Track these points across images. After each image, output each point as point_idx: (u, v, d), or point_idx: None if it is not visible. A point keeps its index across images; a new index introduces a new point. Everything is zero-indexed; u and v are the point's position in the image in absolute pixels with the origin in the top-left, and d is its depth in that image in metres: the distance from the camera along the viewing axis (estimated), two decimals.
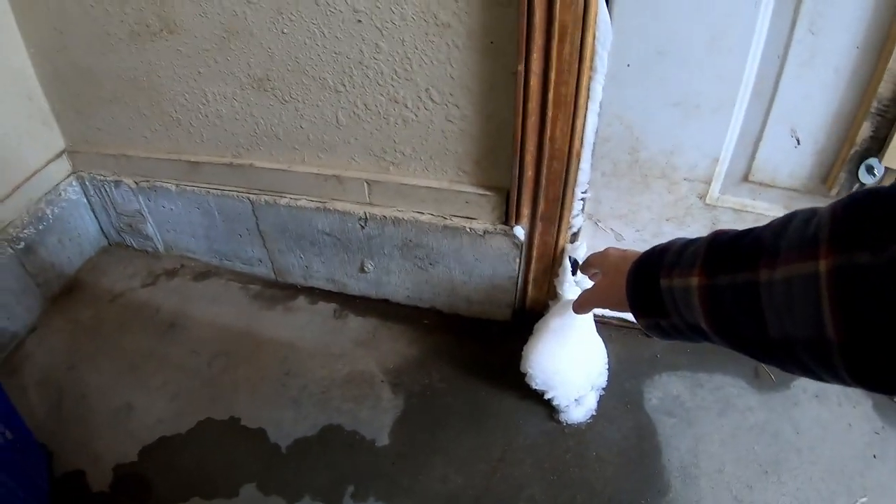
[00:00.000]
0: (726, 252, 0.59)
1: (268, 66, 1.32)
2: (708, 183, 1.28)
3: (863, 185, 1.26)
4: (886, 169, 1.23)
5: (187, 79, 1.43)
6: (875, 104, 1.14)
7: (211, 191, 1.58)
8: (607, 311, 1.49)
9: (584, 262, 1.06)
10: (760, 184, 1.29)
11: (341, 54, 1.24)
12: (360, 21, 1.18)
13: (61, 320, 1.69)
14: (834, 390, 1.50)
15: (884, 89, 1.13)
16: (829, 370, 0.49)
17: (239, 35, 1.30)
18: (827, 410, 1.46)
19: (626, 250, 0.88)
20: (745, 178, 1.29)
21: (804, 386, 1.50)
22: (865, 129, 1.18)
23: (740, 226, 1.31)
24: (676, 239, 0.72)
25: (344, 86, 1.28)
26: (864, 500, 1.29)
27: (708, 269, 0.60)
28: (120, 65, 1.47)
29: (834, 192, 1.26)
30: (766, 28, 1.09)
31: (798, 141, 1.22)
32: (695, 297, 0.61)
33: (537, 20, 1.04)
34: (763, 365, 1.54)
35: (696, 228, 1.36)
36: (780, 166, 1.26)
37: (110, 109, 1.58)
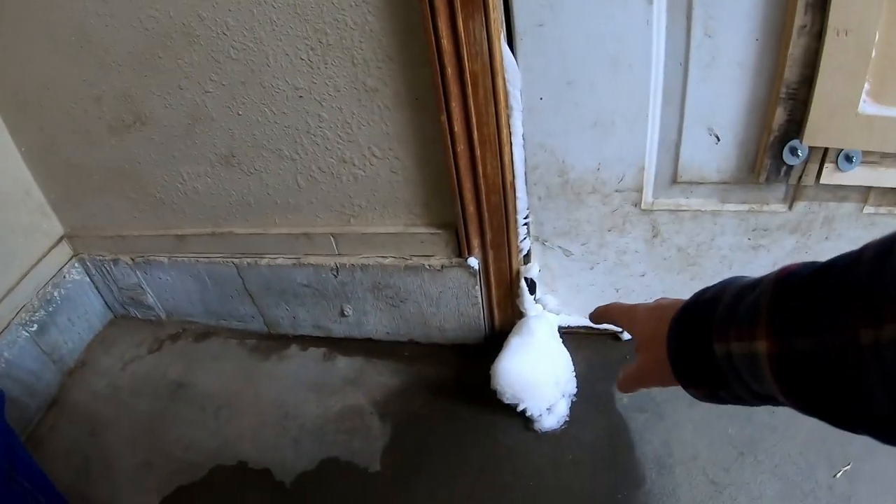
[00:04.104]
0: (801, 303, 0.43)
1: (230, 144, 1.46)
2: (639, 190, 1.39)
3: (789, 166, 1.36)
4: (810, 148, 1.32)
5: (164, 163, 1.57)
6: (784, 89, 1.23)
7: (199, 259, 1.72)
8: (575, 320, 1.62)
9: (599, 312, 0.84)
10: (690, 182, 1.39)
11: (290, 127, 1.38)
12: (301, 97, 1.32)
13: (79, 392, 1.82)
14: None
15: (790, 74, 1.21)
16: None
17: (202, 120, 1.44)
18: None
19: (658, 305, 0.68)
20: (675, 181, 1.39)
21: None
22: (780, 115, 1.27)
23: (679, 224, 1.46)
24: (727, 281, 0.56)
25: (298, 154, 1.43)
26: (847, 467, 1.32)
27: (778, 330, 0.44)
28: (104, 157, 1.62)
29: (762, 178, 1.36)
30: (664, 40, 1.20)
31: (717, 138, 1.32)
32: (765, 368, 0.45)
33: (450, 74, 1.18)
34: None
35: (638, 233, 1.46)
36: (706, 164, 1.36)
37: (101, 197, 1.73)
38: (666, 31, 1.20)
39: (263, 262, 1.64)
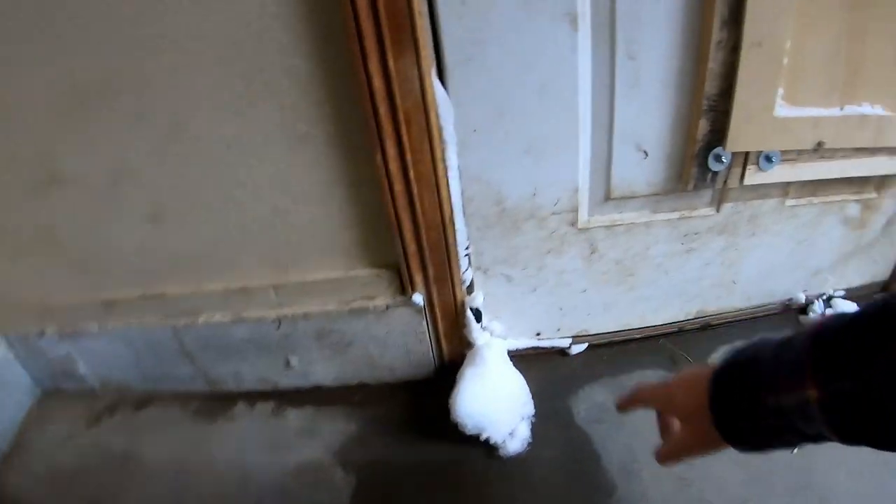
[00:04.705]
0: (840, 350, 0.50)
1: (157, 200, 1.41)
2: (574, 211, 1.42)
3: (714, 172, 1.41)
4: (733, 154, 1.38)
5: (87, 223, 1.49)
6: (706, 102, 1.29)
7: (131, 323, 1.65)
8: (523, 343, 1.63)
9: (629, 398, 0.88)
10: (622, 198, 1.43)
11: (220, 178, 1.34)
12: (229, 147, 1.29)
13: (16, 477, 1.71)
14: None
15: (710, 87, 1.27)
16: None
17: (126, 176, 1.38)
18: None
19: (688, 380, 0.72)
20: (608, 198, 1.42)
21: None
22: (703, 126, 1.32)
23: (614, 239, 1.48)
24: (756, 345, 0.61)
25: (229, 206, 1.39)
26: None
27: (823, 378, 0.50)
28: (21, 220, 1.53)
29: (690, 186, 1.41)
30: (589, 65, 1.24)
31: (646, 153, 1.36)
32: (816, 412, 0.51)
33: (383, 114, 1.17)
34: (677, 349, 1.69)
35: (576, 251, 1.49)
36: (636, 179, 1.40)
37: (20, 264, 1.63)
38: (591, 56, 1.24)
39: (200, 320, 1.59)
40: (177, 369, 1.75)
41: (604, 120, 1.32)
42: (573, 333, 1.68)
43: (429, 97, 1.18)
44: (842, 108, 1.41)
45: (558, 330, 1.66)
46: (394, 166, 1.24)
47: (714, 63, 1.24)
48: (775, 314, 1.91)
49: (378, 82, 1.13)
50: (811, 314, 1.92)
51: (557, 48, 1.20)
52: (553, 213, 1.41)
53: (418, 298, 1.44)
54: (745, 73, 1.25)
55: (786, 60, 1.28)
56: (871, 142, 1.49)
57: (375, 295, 1.48)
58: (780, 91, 1.32)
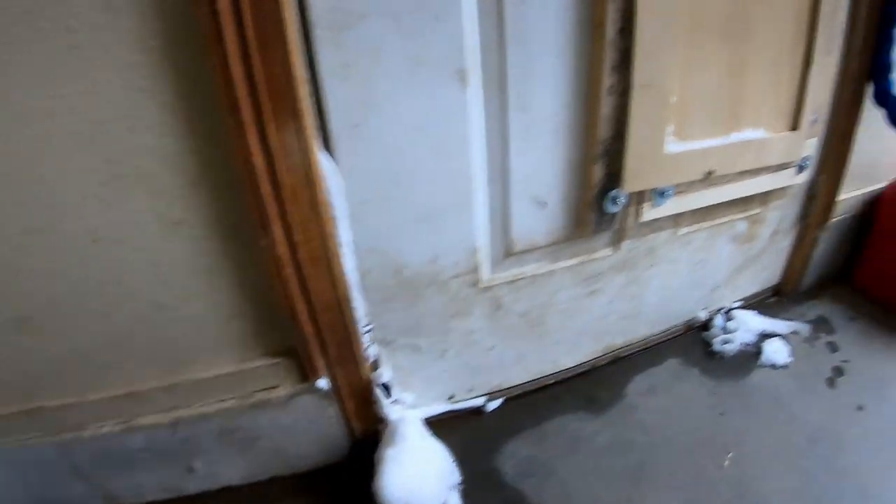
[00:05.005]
0: None
1: (25, 305, 1.26)
2: (476, 271, 1.38)
3: (612, 214, 1.40)
4: (628, 195, 1.38)
5: None
6: (599, 147, 1.30)
7: (10, 444, 1.49)
8: (437, 409, 1.57)
9: None
10: (523, 252, 1.41)
11: (91, 276, 1.22)
12: (97, 240, 1.17)
13: None
14: (662, 380, 1.70)
15: (602, 132, 1.29)
16: None
17: None
18: (663, 399, 1.62)
19: None
20: (509, 253, 1.39)
21: (635, 389, 1.67)
22: (598, 170, 1.32)
23: (518, 293, 1.45)
24: None
25: (105, 306, 1.26)
26: (730, 455, 1.45)
27: None
28: None
29: (589, 231, 1.40)
30: (482, 121, 1.22)
31: (543, 204, 1.34)
32: None
33: (265, 192, 1.09)
34: (592, 386, 1.67)
35: (481, 311, 1.45)
36: (536, 230, 1.38)
37: None
38: (483, 111, 1.21)
39: (87, 433, 1.44)
40: (69, 489, 1.59)
41: (500, 175, 1.29)
42: (487, 391, 1.64)
43: (315, 171, 1.11)
44: (727, 137, 1.44)
45: (471, 390, 1.61)
46: (281, 248, 1.16)
47: (606, 108, 1.25)
48: (679, 335, 1.94)
49: (258, 158, 1.05)
50: (713, 328, 1.96)
51: (448, 107, 1.17)
52: (454, 277, 1.37)
53: (322, 383, 1.36)
54: (636, 114, 1.26)
55: (674, 98, 1.29)
56: (754, 163, 1.55)
57: (277, 385, 1.39)
58: (670, 128, 1.33)
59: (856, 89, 1.75)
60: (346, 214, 1.21)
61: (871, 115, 1.84)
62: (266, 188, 1.09)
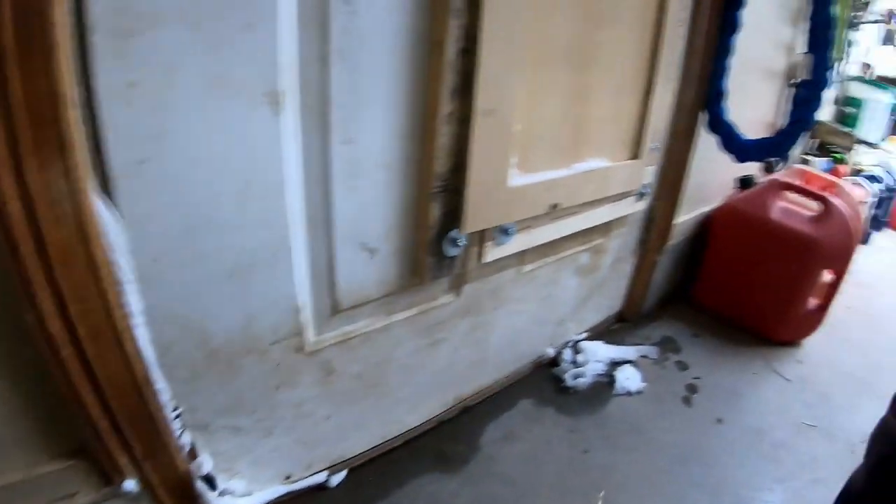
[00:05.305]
0: None
1: None
2: (300, 334, 1.21)
3: (451, 258, 1.27)
4: (469, 239, 1.26)
5: None
6: (436, 183, 1.17)
7: None
8: (273, 493, 1.38)
9: None
10: (353, 307, 1.25)
11: None
12: None
13: None
14: (517, 424, 1.66)
15: (440, 165, 1.16)
16: None
17: None
18: (522, 445, 1.58)
19: None
20: (336, 310, 1.24)
21: (491, 438, 1.61)
22: (435, 210, 1.20)
23: (351, 353, 1.30)
24: None
25: None
26: (602, 494, 1.44)
27: None
28: None
29: (427, 278, 1.26)
30: (300, 155, 1.03)
31: (373, 252, 1.19)
32: None
33: (26, 252, 0.84)
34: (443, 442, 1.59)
35: (310, 378, 1.28)
36: (365, 281, 1.23)
37: None
38: (301, 144, 1.03)
39: None
40: None
41: (321, 219, 1.12)
42: (328, 464, 1.45)
43: (91, 221, 0.87)
44: (571, 167, 1.40)
45: (310, 466, 1.42)
46: (55, 326, 0.92)
47: (444, 137, 1.13)
48: (528, 375, 1.90)
49: (14, 205, 0.80)
50: (562, 363, 1.91)
51: (258, 138, 0.97)
52: (275, 342, 1.18)
53: (130, 485, 1.13)
54: (478, 144, 1.16)
55: (518, 127, 1.19)
56: (597, 193, 1.55)
57: (76, 491, 1.13)
58: (514, 159, 1.23)
59: (690, 116, 1.78)
60: (134, 277, 0.98)
61: (702, 141, 1.88)
62: (27, 245, 0.84)
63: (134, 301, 0.99)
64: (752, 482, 1.59)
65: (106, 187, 0.91)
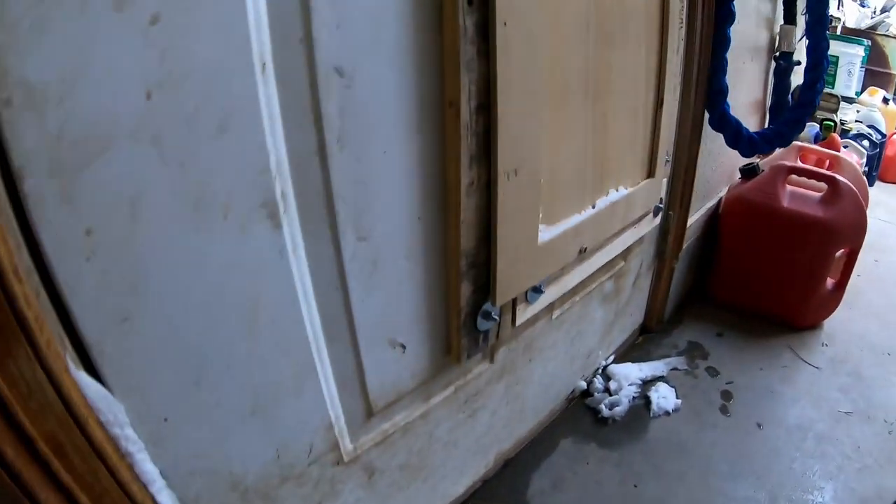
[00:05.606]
0: None
1: None
2: (336, 448, 1.08)
3: (486, 332, 1.16)
4: (502, 308, 1.15)
5: None
6: (464, 261, 1.04)
7: None
8: None
9: None
10: (388, 405, 1.13)
11: None
12: None
13: None
14: (562, 469, 1.59)
15: (466, 242, 1.03)
16: None
17: None
18: (570, 493, 1.51)
19: None
20: (371, 414, 1.11)
21: (538, 489, 1.53)
22: (466, 289, 1.08)
23: (392, 448, 1.17)
24: None
25: None
26: None
27: None
28: None
29: (463, 358, 1.15)
30: (305, 267, 0.89)
31: (403, 347, 1.07)
32: None
33: (12, 457, 0.66)
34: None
35: (353, 484, 1.15)
36: (399, 377, 1.11)
37: None
38: (306, 254, 0.88)
39: None
40: None
41: (342, 329, 0.98)
42: None
43: (77, 402, 0.70)
44: (594, 206, 1.31)
45: None
46: None
47: (467, 211, 1.00)
48: (562, 413, 1.77)
49: None
50: (595, 393, 1.81)
51: (259, 258, 0.82)
52: (312, 463, 1.06)
53: None
54: (503, 208, 1.03)
55: (542, 181, 1.08)
56: (622, 223, 1.47)
57: None
58: (540, 215, 1.12)
59: (696, 118, 1.68)
60: (144, 441, 0.84)
61: (705, 139, 1.80)
62: (12, 450, 0.70)
63: (149, 469, 0.85)
64: (802, 484, 1.55)
65: (86, 359, 0.74)
